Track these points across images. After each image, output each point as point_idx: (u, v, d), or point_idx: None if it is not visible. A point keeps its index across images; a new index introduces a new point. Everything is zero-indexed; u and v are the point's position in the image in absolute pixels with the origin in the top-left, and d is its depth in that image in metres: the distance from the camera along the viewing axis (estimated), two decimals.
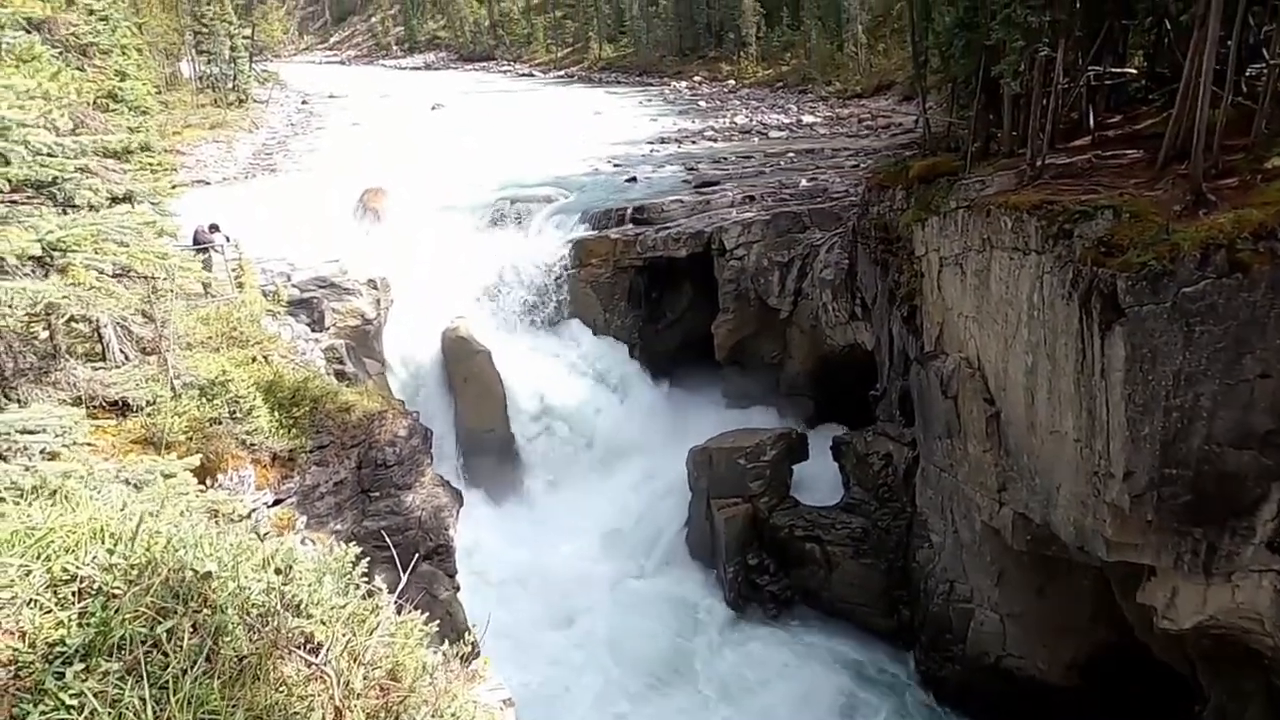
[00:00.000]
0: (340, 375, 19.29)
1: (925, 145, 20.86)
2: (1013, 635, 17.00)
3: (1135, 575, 13.76)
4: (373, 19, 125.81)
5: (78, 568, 3.02)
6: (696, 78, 69.47)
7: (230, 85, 58.65)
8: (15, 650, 2.72)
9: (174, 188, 15.42)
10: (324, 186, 34.10)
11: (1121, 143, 15.78)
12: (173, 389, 11.67)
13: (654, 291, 27.21)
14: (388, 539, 13.03)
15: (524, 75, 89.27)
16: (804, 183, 28.96)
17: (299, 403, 14.35)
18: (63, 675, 2.63)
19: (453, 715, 3.24)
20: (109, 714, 2.52)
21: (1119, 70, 17.57)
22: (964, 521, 17.11)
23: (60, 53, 13.71)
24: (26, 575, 2.97)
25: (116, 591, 2.93)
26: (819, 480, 22.17)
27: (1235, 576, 12.29)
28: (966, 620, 17.54)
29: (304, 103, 67.37)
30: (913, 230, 17.74)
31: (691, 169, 33.69)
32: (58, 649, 2.71)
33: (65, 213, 7.97)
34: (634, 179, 32.64)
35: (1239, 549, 12.11)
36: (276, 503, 13.11)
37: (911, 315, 18.51)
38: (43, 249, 7.16)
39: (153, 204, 11.94)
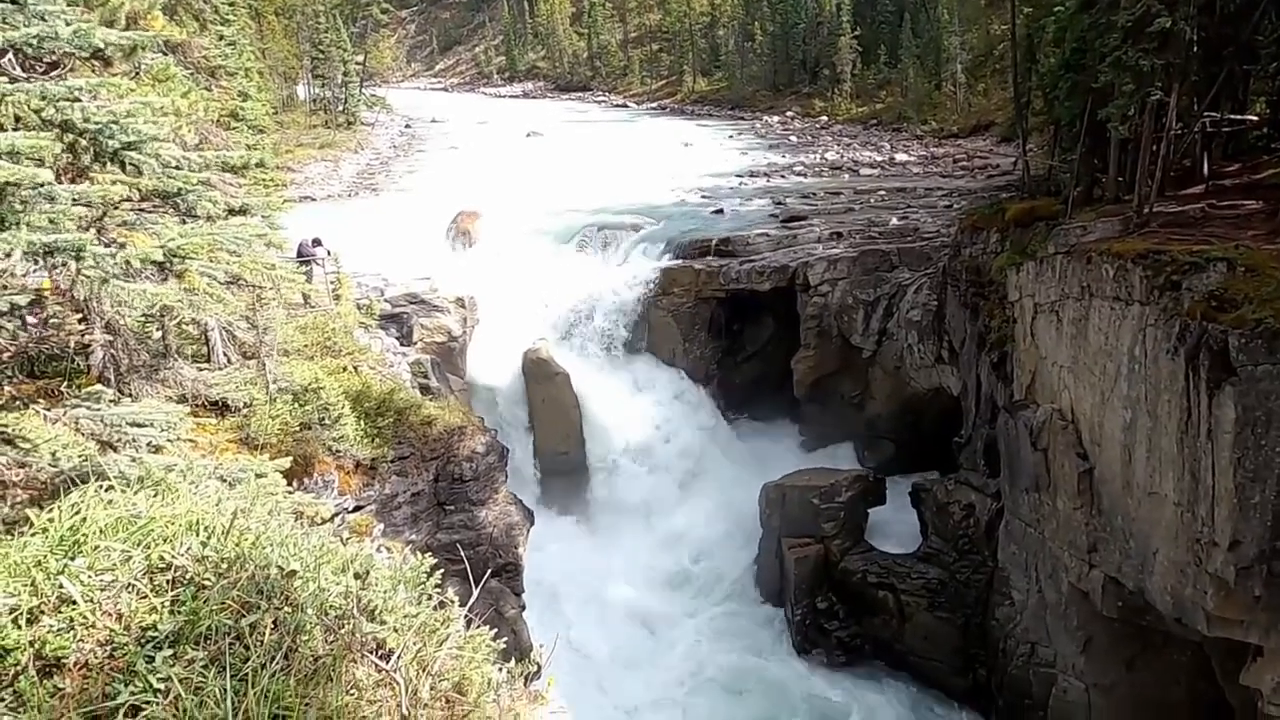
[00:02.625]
0: (424, 389, 19.85)
1: (1023, 188, 20.23)
2: (1099, 708, 15.98)
3: (1239, 654, 12.77)
4: (477, 49, 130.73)
5: (173, 557, 3.17)
6: (789, 113, 69.35)
7: (341, 108, 61.83)
8: (112, 631, 2.87)
9: (284, 203, 16.29)
10: (420, 207, 35.37)
11: (1239, 193, 14.98)
12: (269, 393, 12.22)
13: (735, 324, 27.11)
14: (461, 552, 13.23)
15: (618, 106, 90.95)
16: (894, 221, 28.47)
17: (384, 413, 14.83)
18: (153, 659, 2.76)
19: None
20: (192, 700, 2.62)
21: (1238, 117, 16.73)
22: (1049, 581, 16.27)
23: (191, 74, 14.72)
24: (127, 561, 3.14)
25: (206, 583, 3.06)
26: (895, 526, 21.50)
27: None
28: (1048, 687, 16.60)
29: (407, 126, 70.25)
30: (1006, 274, 17.19)
31: (779, 203, 33.57)
32: (150, 634, 2.85)
33: (185, 222, 8.49)
34: (721, 211, 32.73)
35: None
36: (356, 509, 13.52)
37: (1002, 362, 17.87)
38: (164, 255, 7.64)
39: (264, 217, 12.62)
